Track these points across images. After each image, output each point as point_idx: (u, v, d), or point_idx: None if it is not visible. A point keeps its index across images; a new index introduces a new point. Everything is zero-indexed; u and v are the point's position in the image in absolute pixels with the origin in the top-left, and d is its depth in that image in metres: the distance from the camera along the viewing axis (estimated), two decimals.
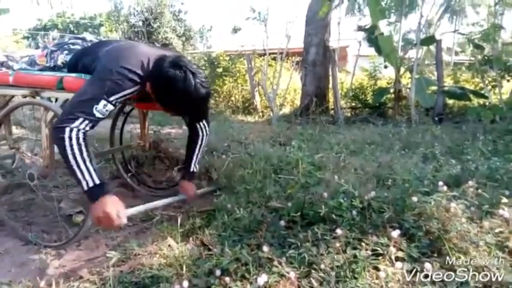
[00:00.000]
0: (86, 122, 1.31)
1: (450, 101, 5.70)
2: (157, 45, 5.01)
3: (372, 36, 5.27)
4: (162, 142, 2.65)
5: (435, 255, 1.21)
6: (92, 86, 1.39)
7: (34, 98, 1.65)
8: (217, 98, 7.39)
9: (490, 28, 4.85)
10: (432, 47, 6.33)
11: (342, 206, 1.44)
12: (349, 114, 6.06)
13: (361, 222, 1.37)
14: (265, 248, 1.23)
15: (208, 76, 6.79)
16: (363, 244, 1.20)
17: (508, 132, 3.23)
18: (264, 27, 5.92)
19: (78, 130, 1.29)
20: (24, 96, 1.66)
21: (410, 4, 5.61)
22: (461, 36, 9.02)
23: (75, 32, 28.10)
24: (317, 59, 6.00)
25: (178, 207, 2.00)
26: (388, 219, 1.35)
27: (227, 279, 1.13)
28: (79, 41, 1.85)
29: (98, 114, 1.34)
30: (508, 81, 5.49)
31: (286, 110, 6.79)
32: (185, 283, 1.08)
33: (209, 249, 1.39)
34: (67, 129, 1.27)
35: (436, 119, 4.52)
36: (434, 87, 5.18)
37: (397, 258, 1.15)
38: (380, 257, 1.16)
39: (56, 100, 1.69)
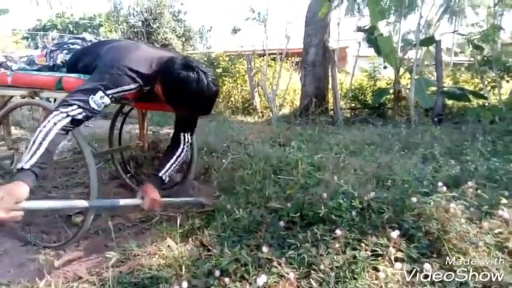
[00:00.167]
0: (80, 110, 1.30)
1: (449, 102, 5.70)
2: (157, 45, 5.01)
3: (372, 37, 5.27)
4: (161, 142, 2.64)
5: (435, 255, 1.21)
6: (92, 78, 1.41)
7: (33, 98, 1.65)
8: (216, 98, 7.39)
9: (490, 29, 4.84)
10: (432, 48, 6.35)
11: (342, 207, 1.44)
12: (348, 115, 6.06)
13: (361, 222, 1.37)
14: (265, 249, 1.23)
15: None
16: (363, 245, 1.20)
17: (507, 133, 3.23)
18: (264, 27, 5.93)
19: (67, 115, 1.27)
20: (23, 97, 1.66)
21: (409, 5, 5.63)
22: (460, 37, 9.05)
23: (75, 32, 28.13)
24: (316, 60, 6.00)
25: (177, 207, 1.99)
26: (387, 220, 1.35)
27: (226, 279, 1.13)
28: (79, 41, 1.86)
29: (93, 105, 1.33)
30: (508, 81, 5.48)
31: (286, 110, 6.79)
32: (184, 284, 1.08)
33: (208, 250, 1.39)
34: (55, 112, 1.27)
35: (436, 119, 4.52)
36: (433, 88, 5.18)
37: (397, 259, 1.15)
38: (379, 258, 1.16)
39: (55, 100, 1.69)
